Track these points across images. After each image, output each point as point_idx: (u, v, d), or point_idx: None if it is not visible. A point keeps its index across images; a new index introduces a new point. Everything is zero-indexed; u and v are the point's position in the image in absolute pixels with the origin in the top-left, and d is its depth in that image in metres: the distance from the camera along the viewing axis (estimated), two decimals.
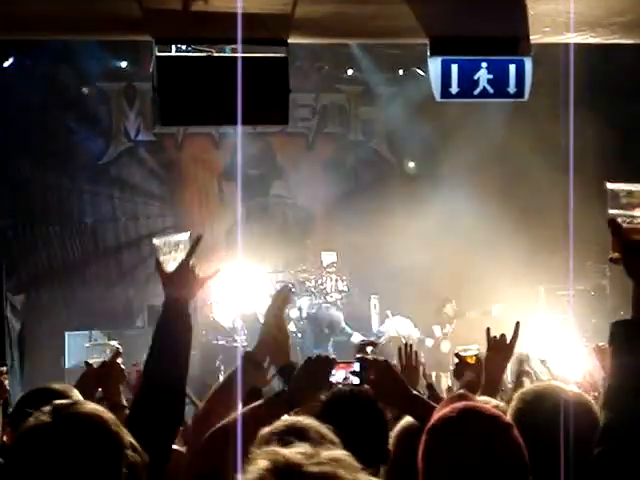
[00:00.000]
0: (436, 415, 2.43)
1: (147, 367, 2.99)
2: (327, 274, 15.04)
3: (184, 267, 3.12)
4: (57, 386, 3.69)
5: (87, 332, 13.21)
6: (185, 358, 3.02)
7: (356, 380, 3.37)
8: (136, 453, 2.44)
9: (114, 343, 5.03)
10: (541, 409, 2.80)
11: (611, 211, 2.90)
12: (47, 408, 2.32)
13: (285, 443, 2.52)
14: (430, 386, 8.03)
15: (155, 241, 3.29)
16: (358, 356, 3.46)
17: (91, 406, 2.39)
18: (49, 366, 13.05)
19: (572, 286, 13.28)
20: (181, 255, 3.17)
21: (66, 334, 13.43)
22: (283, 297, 3.99)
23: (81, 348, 12.52)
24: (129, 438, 2.39)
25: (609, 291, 13.53)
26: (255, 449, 1.82)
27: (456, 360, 4.56)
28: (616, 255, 2.72)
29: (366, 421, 3.15)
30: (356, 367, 3.38)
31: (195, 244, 3.19)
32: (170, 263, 3.15)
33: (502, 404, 3.53)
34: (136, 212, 15.86)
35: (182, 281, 3.10)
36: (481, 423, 2.36)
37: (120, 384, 4.70)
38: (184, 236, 3.29)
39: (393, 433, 3.32)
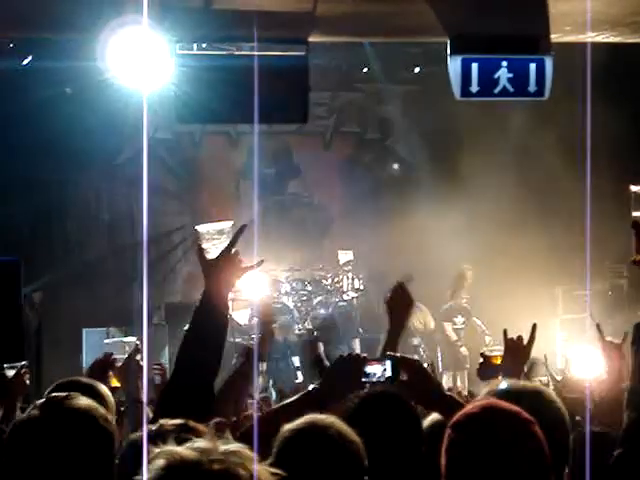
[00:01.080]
0: (460, 412, 2.45)
1: (181, 352, 3.00)
2: (344, 272, 15.06)
3: (226, 255, 3.11)
4: (84, 380, 3.71)
5: (104, 329, 13.26)
6: (220, 345, 3.02)
7: (388, 372, 3.36)
8: None
9: (133, 339, 5.03)
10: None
11: (635, 213, 2.89)
12: (39, 402, 2.37)
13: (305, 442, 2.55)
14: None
15: (198, 228, 3.32)
16: (389, 354, 3.46)
17: (83, 401, 2.42)
18: (67, 363, 13.09)
19: (589, 286, 13.25)
20: (223, 243, 3.17)
21: (84, 331, 13.49)
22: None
23: (99, 345, 12.57)
24: None
25: (626, 291, 13.49)
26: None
27: (481, 360, 4.54)
28: None
29: (400, 425, 3.14)
30: (387, 365, 3.37)
31: (239, 233, 3.18)
32: (212, 250, 3.16)
33: None
34: (153, 210, 15.90)
35: (223, 269, 3.09)
36: (503, 418, 2.38)
37: (139, 380, 4.72)
38: (227, 224, 3.32)
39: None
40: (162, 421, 2.46)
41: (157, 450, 1.77)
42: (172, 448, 1.77)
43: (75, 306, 14.21)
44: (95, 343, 12.93)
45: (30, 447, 2.27)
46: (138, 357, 4.82)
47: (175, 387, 2.94)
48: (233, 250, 3.12)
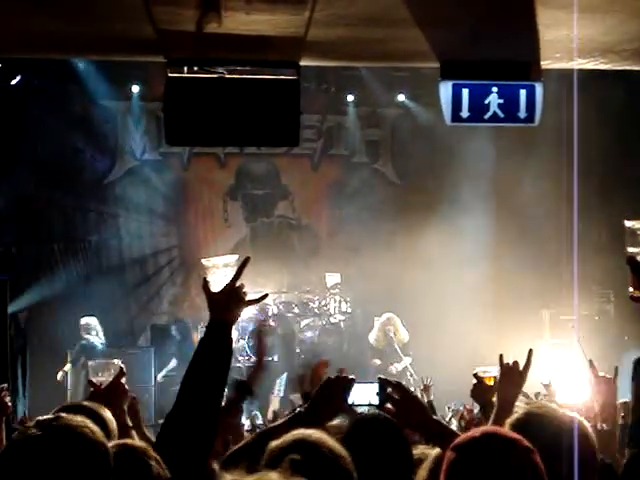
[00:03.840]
0: (462, 436, 2.44)
1: (185, 383, 3.00)
2: (331, 295, 15.05)
3: (231, 288, 3.13)
4: (87, 403, 3.71)
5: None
6: (224, 376, 3.02)
7: (375, 400, 3.35)
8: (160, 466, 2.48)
9: (118, 362, 4.98)
10: (537, 434, 2.80)
11: (630, 249, 2.89)
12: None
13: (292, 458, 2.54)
14: (430, 404, 7.98)
15: (203, 261, 3.34)
16: (379, 377, 3.45)
17: (79, 419, 2.42)
18: (52, 383, 13.05)
19: (577, 311, 13.27)
20: (228, 276, 3.19)
21: (68, 352, 13.44)
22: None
23: (83, 365, 12.53)
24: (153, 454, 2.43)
25: (613, 316, 13.53)
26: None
27: (474, 381, 4.53)
28: (637, 293, 2.72)
29: (391, 449, 3.14)
30: (375, 388, 3.37)
31: (243, 266, 3.20)
32: (217, 283, 3.18)
33: None
34: (140, 231, 15.88)
35: (228, 301, 3.10)
36: (503, 445, 2.37)
37: (124, 404, 4.68)
38: (232, 258, 3.33)
39: (426, 464, 3.30)
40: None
41: (227, 476, 1.74)
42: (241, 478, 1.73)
43: (60, 326, 14.15)
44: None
45: (28, 465, 2.27)
46: (123, 380, 4.78)
47: (178, 416, 2.93)
48: (237, 283, 3.13)
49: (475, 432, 2.41)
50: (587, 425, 2.98)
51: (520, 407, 3.06)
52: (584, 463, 2.79)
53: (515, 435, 2.43)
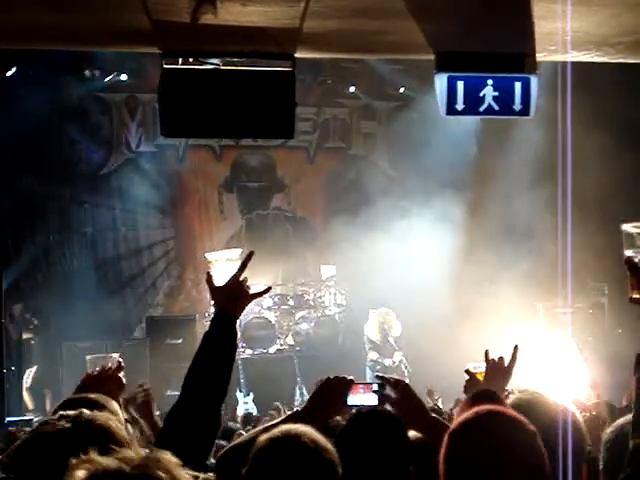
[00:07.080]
0: (461, 416, 2.42)
1: (189, 376, 3.02)
2: (326, 287, 15.07)
3: (234, 281, 3.14)
4: (93, 396, 3.72)
5: (85, 343, 13.18)
6: (228, 370, 3.04)
7: (374, 400, 3.35)
8: None
9: (116, 356, 5.00)
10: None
11: (627, 252, 2.91)
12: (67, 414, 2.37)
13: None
14: (435, 409, 7.96)
15: (207, 255, 3.36)
16: (377, 375, 3.45)
17: (106, 416, 2.43)
18: (47, 376, 13.05)
19: (571, 304, 13.29)
20: (231, 270, 3.19)
21: (64, 344, 13.43)
22: None
23: (78, 358, 12.51)
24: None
25: (607, 309, 13.55)
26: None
27: (467, 377, 4.56)
28: (636, 294, 2.74)
29: (390, 441, 3.14)
30: (374, 387, 3.36)
31: (247, 259, 3.21)
32: (220, 277, 3.19)
33: None
34: (136, 223, 15.89)
35: (232, 295, 3.12)
36: (506, 426, 2.34)
37: (120, 397, 4.68)
38: (236, 252, 3.35)
39: None
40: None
41: (74, 460, 1.75)
42: (93, 457, 1.75)
43: (55, 319, 14.16)
44: (75, 356, 12.88)
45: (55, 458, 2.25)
46: (120, 374, 4.78)
47: (182, 410, 2.95)
48: (241, 277, 3.14)
49: (477, 412, 2.39)
50: (578, 415, 2.98)
51: (512, 396, 3.07)
52: (573, 451, 2.80)
53: (520, 417, 2.40)
